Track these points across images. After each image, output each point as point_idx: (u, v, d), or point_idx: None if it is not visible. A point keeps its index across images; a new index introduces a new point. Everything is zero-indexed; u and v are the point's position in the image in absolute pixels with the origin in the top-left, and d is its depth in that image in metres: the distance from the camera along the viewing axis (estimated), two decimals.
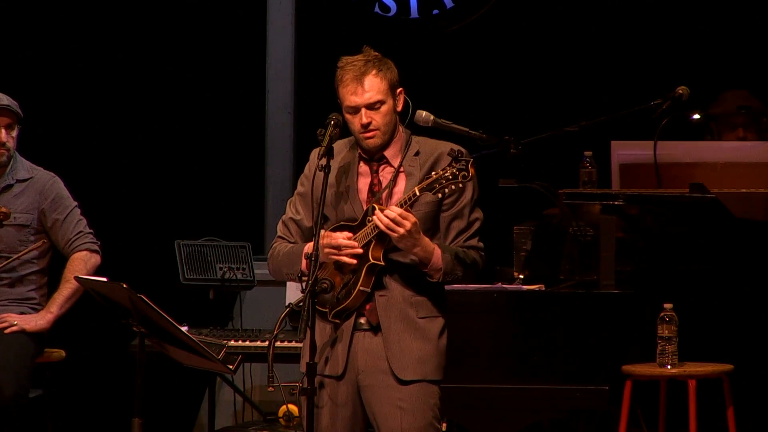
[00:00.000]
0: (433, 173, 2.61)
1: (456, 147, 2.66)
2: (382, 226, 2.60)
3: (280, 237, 2.86)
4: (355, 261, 2.67)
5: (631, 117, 4.17)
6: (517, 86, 5.36)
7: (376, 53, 2.76)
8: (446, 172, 2.58)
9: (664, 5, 5.31)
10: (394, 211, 2.60)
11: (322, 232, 2.68)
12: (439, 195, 2.61)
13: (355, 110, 2.71)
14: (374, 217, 2.63)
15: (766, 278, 3.99)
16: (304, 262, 2.71)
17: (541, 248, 4.68)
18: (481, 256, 2.81)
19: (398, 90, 2.77)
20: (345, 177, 2.78)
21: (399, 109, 2.79)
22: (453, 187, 2.59)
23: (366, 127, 2.70)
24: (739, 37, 5.25)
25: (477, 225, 2.80)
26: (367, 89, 2.69)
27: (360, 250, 2.67)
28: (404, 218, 2.59)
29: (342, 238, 2.68)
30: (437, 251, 2.69)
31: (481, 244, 2.82)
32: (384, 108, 2.72)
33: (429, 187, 2.60)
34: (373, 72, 2.70)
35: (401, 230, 2.59)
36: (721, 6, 5.25)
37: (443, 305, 2.80)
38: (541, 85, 5.30)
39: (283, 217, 2.89)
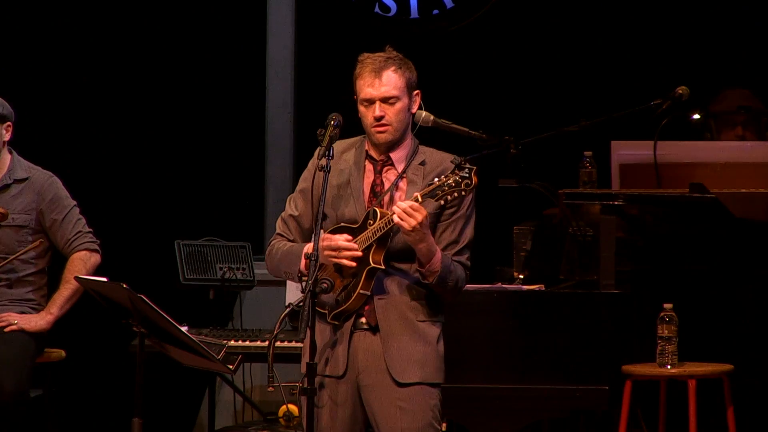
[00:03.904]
0: (436, 180, 2.61)
1: (459, 157, 2.66)
2: (395, 217, 2.60)
3: (279, 234, 2.86)
4: (354, 263, 2.67)
5: (631, 117, 4.17)
6: (517, 86, 5.36)
7: (398, 53, 2.77)
8: (449, 179, 2.58)
9: (664, 5, 5.31)
10: (407, 201, 2.60)
11: (322, 233, 2.68)
12: (441, 202, 2.61)
13: (370, 102, 2.72)
14: (393, 208, 2.62)
15: (767, 278, 3.99)
16: (303, 262, 2.71)
17: (541, 248, 4.68)
18: (466, 275, 2.81)
19: (415, 92, 2.79)
20: (349, 176, 2.78)
21: (413, 110, 2.80)
22: (456, 194, 2.59)
23: (379, 120, 2.71)
24: (740, 37, 5.25)
25: (467, 241, 2.80)
26: (384, 83, 2.71)
27: (359, 253, 2.67)
28: (416, 210, 2.59)
29: (341, 240, 2.68)
30: (439, 253, 2.69)
31: (468, 263, 2.82)
32: (399, 105, 2.73)
33: (431, 193, 2.60)
34: (393, 68, 2.73)
35: (413, 222, 2.58)
36: (721, 6, 5.25)
37: (442, 311, 2.80)
38: (541, 85, 5.30)
39: (283, 214, 2.88)
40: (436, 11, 5.44)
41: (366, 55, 2.77)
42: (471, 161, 2.64)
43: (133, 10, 5.46)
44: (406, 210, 2.58)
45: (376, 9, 5.43)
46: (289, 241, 2.83)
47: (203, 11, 5.52)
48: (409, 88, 2.76)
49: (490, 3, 5.32)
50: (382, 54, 2.76)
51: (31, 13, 5.42)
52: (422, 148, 2.83)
